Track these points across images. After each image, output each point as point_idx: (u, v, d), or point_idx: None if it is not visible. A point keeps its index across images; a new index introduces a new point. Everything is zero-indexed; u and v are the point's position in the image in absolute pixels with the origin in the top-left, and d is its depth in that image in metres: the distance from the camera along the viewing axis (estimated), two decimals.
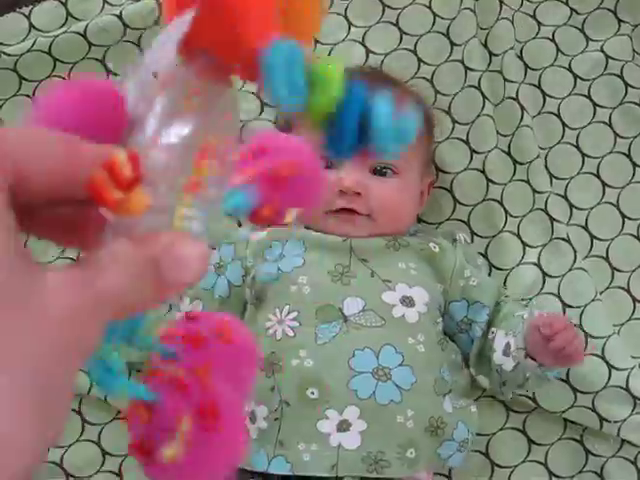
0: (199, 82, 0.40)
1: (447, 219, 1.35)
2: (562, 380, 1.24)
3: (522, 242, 1.32)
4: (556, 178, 1.38)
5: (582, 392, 1.24)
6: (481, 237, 1.34)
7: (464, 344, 1.21)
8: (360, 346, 1.08)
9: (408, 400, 1.07)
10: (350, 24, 1.41)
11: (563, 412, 1.25)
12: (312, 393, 1.07)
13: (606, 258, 1.35)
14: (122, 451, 1.28)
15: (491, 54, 1.39)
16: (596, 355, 1.25)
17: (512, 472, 1.28)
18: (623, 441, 1.26)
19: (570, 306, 1.29)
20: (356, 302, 1.11)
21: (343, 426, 1.05)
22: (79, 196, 0.35)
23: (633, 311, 1.33)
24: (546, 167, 1.37)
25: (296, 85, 0.39)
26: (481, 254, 1.33)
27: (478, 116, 1.35)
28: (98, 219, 0.36)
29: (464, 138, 1.35)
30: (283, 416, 1.08)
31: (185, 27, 0.38)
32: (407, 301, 1.13)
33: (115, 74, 1.38)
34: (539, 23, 1.44)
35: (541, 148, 1.37)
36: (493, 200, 1.33)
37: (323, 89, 0.39)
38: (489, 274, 1.31)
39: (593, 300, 1.28)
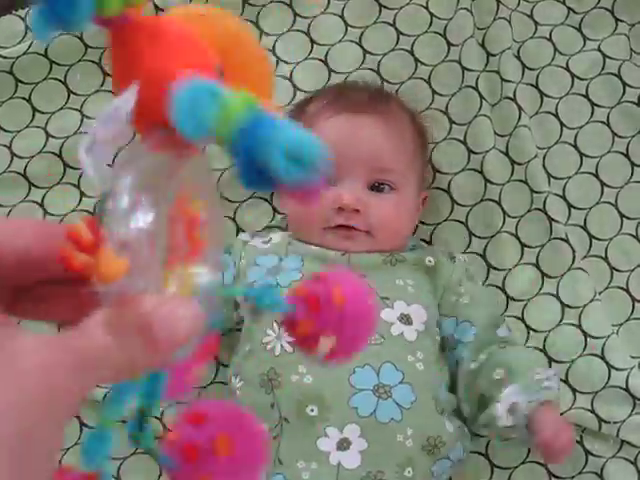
0: (160, 156, 0.41)
1: (445, 220, 1.34)
2: (562, 380, 1.24)
3: (520, 242, 1.32)
4: (554, 178, 1.36)
5: (581, 392, 1.24)
6: (479, 238, 1.33)
7: (449, 363, 1.19)
8: (360, 363, 1.07)
9: (408, 419, 1.06)
10: (347, 25, 1.41)
11: (562, 413, 1.22)
12: (312, 410, 1.05)
13: (605, 258, 1.34)
14: (120, 454, 1.24)
15: (488, 54, 1.38)
16: (595, 355, 1.25)
17: (512, 473, 1.26)
18: (623, 442, 1.24)
19: (569, 306, 1.28)
20: None
21: (343, 444, 1.04)
22: (57, 273, 0.37)
23: (632, 311, 1.31)
24: (544, 167, 1.36)
25: (200, 120, 0.39)
26: (479, 255, 1.32)
27: (475, 116, 1.34)
28: (91, 297, 0.36)
29: (461, 138, 1.35)
30: (283, 433, 1.06)
31: (131, 102, 0.40)
32: (405, 319, 1.13)
33: (111, 75, 1.36)
34: (536, 23, 1.43)
35: (539, 148, 1.36)
36: (491, 200, 1.33)
37: (225, 121, 0.39)
38: (486, 276, 1.31)
39: (592, 300, 1.28)
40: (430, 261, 1.20)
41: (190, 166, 0.43)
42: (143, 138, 0.42)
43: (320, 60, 1.39)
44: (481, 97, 1.35)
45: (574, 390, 1.24)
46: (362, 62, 1.38)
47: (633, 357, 1.27)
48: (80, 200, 1.34)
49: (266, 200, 1.36)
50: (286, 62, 1.39)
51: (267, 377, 1.07)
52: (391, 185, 1.19)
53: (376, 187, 1.19)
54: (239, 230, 1.33)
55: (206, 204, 0.44)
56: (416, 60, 1.38)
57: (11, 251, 0.37)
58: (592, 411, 1.23)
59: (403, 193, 1.21)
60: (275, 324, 1.10)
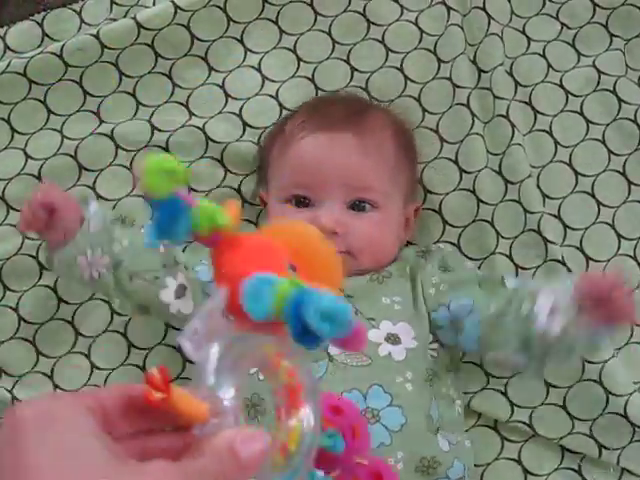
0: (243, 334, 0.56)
1: (436, 241, 1.30)
2: (560, 406, 1.22)
3: (515, 264, 1.28)
4: (549, 198, 1.34)
5: (579, 419, 1.22)
6: (472, 259, 1.29)
7: (466, 343, 1.14)
8: (347, 388, 1.04)
9: (398, 442, 1.03)
10: (334, 42, 1.39)
11: (560, 439, 1.22)
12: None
13: None
14: None
15: (480, 71, 1.36)
16: (593, 380, 1.22)
17: None
18: (623, 470, 1.22)
19: None
20: None
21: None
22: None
23: (631, 334, 1.28)
24: (538, 186, 1.33)
25: (261, 303, 0.54)
26: None
27: (467, 135, 1.32)
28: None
29: (453, 157, 1.32)
30: None
31: (220, 302, 0.55)
32: (392, 338, 1.10)
33: (91, 95, 1.36)
34: (529, 38, 1.41)
35: (533, 167, 1.33)
36: (484, 221, 1.29)
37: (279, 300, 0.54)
38: None
39: None
40: (408, 270, 1.20)
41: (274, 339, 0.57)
42: (238, 326, 0.56)
43: (307, 78, 1.37)
44: (473, 115, 1.32)
45: (572, 417, 1.22)
46: (350, 79, 1.36)
47: (635, 382, 1.24)
48: None
49: (251, 222, 1.33)
50: (272, 80, 1.37)
51: (251, 402, 1.03)
52: (372, 204, 1.16)
53: (357, 206, 1.16)
54: None
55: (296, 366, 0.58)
56: (406, 77, 1.35)
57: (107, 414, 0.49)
58: (591, 436, 1.21)
59: (385, 211, 1.18)
60: None
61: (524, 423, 1.23)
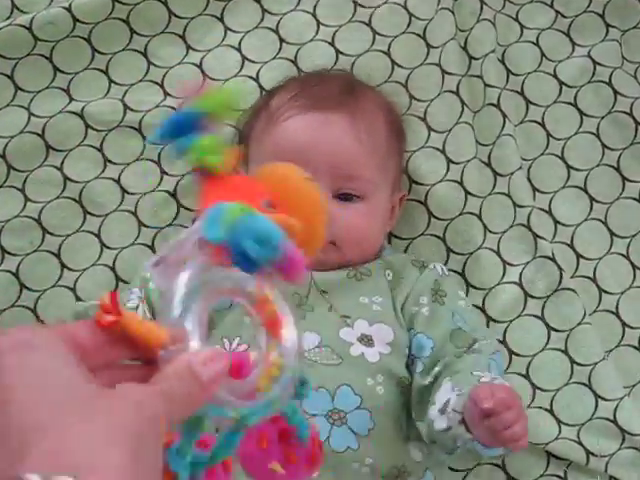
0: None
1: (421, 234, 1.27)
2: (546, 410, 1.20)
3: (502, 260, 1.25)
4: (539, 192, 1.31)
5: (566, 424, 1.19)
6: (458, 254, 1.26)
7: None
8: (314, 386, 0.97)
9: (366, 447, 0.99)
10: (319, 23, 1.33)
11: (546, 444, 1.19)
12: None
13: (593, 279, 1.29)
14: None
15: (470, 57, 1.32)
16: (582, 384, 1.20)
17: None
18: (611, 478, 1.19)
19: (555, 329, 1.23)
20: (311, 337, 1.03)
21: None
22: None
23: (622, 336, 1.26)
24: (529, 179, 1.31)
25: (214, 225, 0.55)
26: (458, 272, 1.25)
27: (456, 124, 1.29)
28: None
29: (440, 147, 1.28)
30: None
31: (195, 235, 0.55)
32: (366, 340, 1.05)
33: (62, 71, 1.30)
34: (522, 26, 1.38)
35: (523, 159, 1.31)
36: (471, 214, 1.26)
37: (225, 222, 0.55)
38: (466, 295, 1.22)
39: (580, 323, 1.23)
40: (388, 275, 1.14)
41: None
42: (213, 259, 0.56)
43: (289, 60, 1.31)
44: (462, 103, 1.29)
45: (559, 421, 1.19)
46: (335, 63, 1.30)
47: (625, 387, 1.22)
48: (25, 205, 1.26)
49: None
50: (253, 61, 1.32)
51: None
52: (359, 194, 1.12)
53: (342, 195, 1.11)
54: None
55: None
56: (393, 62, 1.30)
57: (79, 345, 0.51)
58: (579, 443, 1.18)
59: (373, 201, 1.13)
60: (226, 340, 1.02)
61: None
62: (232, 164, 0.62)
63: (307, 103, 1.12)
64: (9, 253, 1.25)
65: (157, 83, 1.32)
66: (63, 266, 1.25)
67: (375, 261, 1.15)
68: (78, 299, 1.24)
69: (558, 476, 1.21)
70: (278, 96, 1.18)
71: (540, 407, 1.20)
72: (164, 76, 1.32)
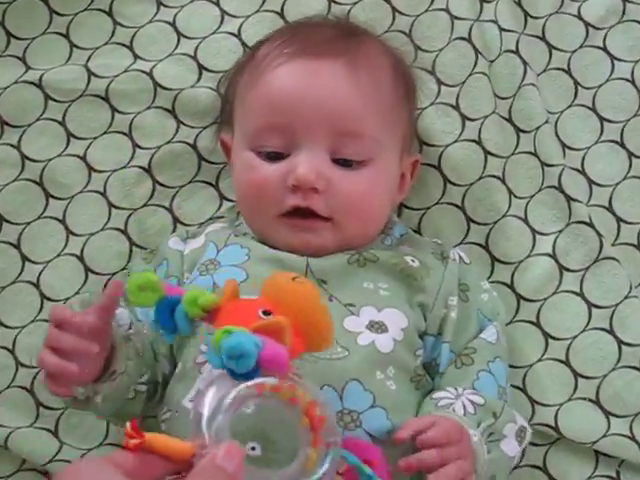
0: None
1: (436, 203, 1.19)
2: (592, 401, 1.13)
3: (531, 229, 1.18)
4: (570, 148, 1.23)
5: (617, 416, 1.13)
6: (479, 224, 1.18)
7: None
8: (318, 384, 0.88)
9: (387, 453, 0.88)
10: None
11: (594, 443, 1.12)
12: (252, 449, 0.81)
13: (638, 245, 1.21)
14: None
15: (482, 0, 1.24)
16: (633, 367, 1.13)
17: None
18: None
19: (597, 306, 1.15)
20: None
21: None
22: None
23: None
24: (557, 135, 1.23)
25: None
26: (480, 245, 1.18)
27: (470, 75, 1.20)
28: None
29: (453, 103, 1.20)
30: None
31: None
32: (376, 326, 0.96)
33: (16, 37, 1.24)
34: None
35: (549, 112, 1.23)
36: (493, 177, 1.18)
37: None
38: (491, 272, 1.16)
39: (627, 297, 1.15)
40: (413, 261, 1.03)
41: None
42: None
43: (275, 12, 1.22)
44: (476, 51, 1.21)
45: (608, 413, 1.12)
46: (327, 12, 1.21)
47: None
48: None
49: (211, 184, 1.20)
50: (233, 16, 1.23)
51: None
52: (361, 158, 1.01)
53: (342, 162, 1.01)
54: (177, 224, 1.19)
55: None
56: (393, 9, 1.22)
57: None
58: (631, 438, 1.12)
59: (378, 165, 1.02)
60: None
61: (548, 426, 1.12)
62: (232, 293, 0.79)
63: (298, 49, 1.02)
64: None
65: (125, 45, 1.24)
66: (24, 258, 1.17)
67: (385, 247, 1.06)
68: (43, 296, 1.16)
69: (609, 477, 1.14)
70: (266, 45, 1.08)
71: (584, 398, 1.13)
72: (133, 37, 1.24)
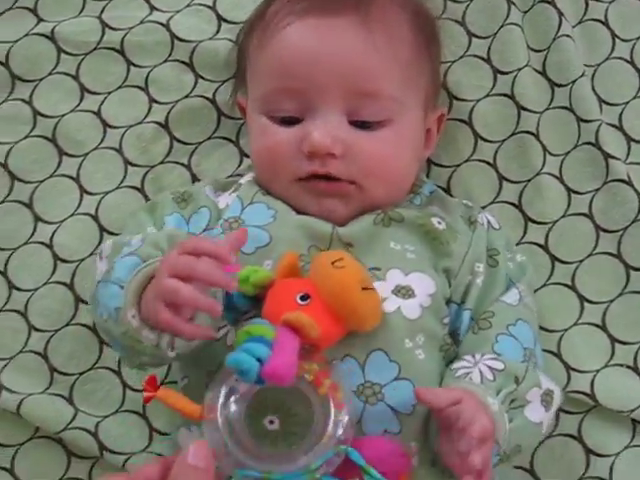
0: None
1: (466, 160, 1.15)
2: (629, 368, 1.11)
3: (566, 187, 1.15)
4: (607, 103, 1.19)
5: None
6: (512, 182, 1.15)
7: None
8: (338, 354, 0.86)
9: (410, 429, 0.87)
10: None
11: (632, 411, 1.08)
12: (271, 422, 0.81)
13: None
14: None
15: None
16: None
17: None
18: None
19: (636, 268, 1.12)
20: None
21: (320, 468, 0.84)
22: None
23: None
24: (593, 89, 1.18)
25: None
26: (513, 205, 1.15)
27: (502, 26, 1.17)
28: None
29: (485, 55, 1.17)
30: None
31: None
32: (403, 291, 0.92)
33: None
34: None
35: (586, 65, 1.18)
36: (526, 133, 1.15)
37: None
38: (524, 232, 1.13)
39: None
40: (439, 223, 1.00)
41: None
42: None
43: None
44: (508, 1, 1.17)
45: None
46: None
47: None
48: None
49: (230, 140, 1.18)
50: None
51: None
52: (380, 119, 0.97)
53: (359, 124, 0.97)
54: (195, 182, 1.16)
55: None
56: None
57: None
58: None
59: (399, 124, 0.99)
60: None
61: (584, 393, 1.09)
62: (289, 267, 0.83)
63: (307, 6, 0.98)
64: None
65: None
66: (37, 218, 1.15)
67: (412, 209, 1.03)
68: (56, 257, 1.14)
69: None
70: (275, 3, 1.04)
71: (621, 364, 1.11)
72: None
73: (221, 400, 0.77)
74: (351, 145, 0.95)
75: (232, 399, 0.78)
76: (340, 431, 0.76)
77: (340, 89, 0.95)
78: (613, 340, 1.11)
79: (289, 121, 0.97)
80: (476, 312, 0.98)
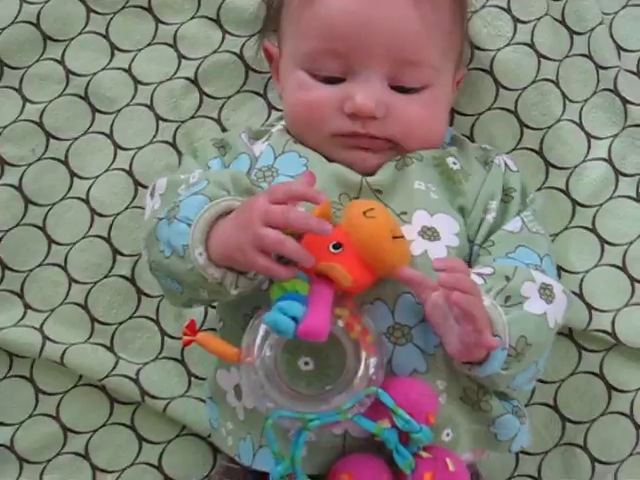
0: None
1: (488, 108, 1.16)
2: None
3: (586, 133, 1.16)
4: (625, 50, 1.19)
5: None
6: (533, 129, 1.15)
7: None
8: (369, 298, 0.88)
9: (437, 368, 0.90)
10: None
11: None
12: (306, 364, 0.86)
13: None
14: (87, 426, 1.16)
15: None
16: None
17: (588, 429, 1.14)
18: None
19: None
20: None
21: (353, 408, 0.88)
22: None
23: None
24: (612, 37, 1.19)
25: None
26: (534, 151, 1.15)
27: None
28: None
29: (504, 5, 1.16)
30: None
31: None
32: (429, 233, 0.94)
33: None
34: None
35: (604, 13, 1.19)
36: (546, 81, 1.15)
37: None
38: (545, 178, 1.15)
39: None
40: (454, 163, 1.01)
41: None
42: None
43: None
44: None
45: None
46: None
47: None
48: (23, 107, 1.19)
49: (258, 94, 1.19)
50: None
51: (251, 318, 0.88)
52: (420, 85, 0.99)
53: (399, 88, 0.98)
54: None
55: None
56: None
57: None
58: None
59: (436, 89, 1.00)
60: None
61: (605, 332, 1.12)
62: (323, 214, 0.82)
63: None
64: (9, 164, 1.18)
65: None
66: (72, 174, 1.18)
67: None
68: (93, 212, 1.17)
69: None
70: None
71: None
72: None
73: (258, 343, 0.80)
74: (392, 109, 0.96)
75: (268, 342, 0.80)
76: (371, 371, 0.79)
77: (386, 55, 0.96)
78: (633, 280, 1.12)
79: (330, 80, 0.97)
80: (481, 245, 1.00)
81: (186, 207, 0.87)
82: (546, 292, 0.93)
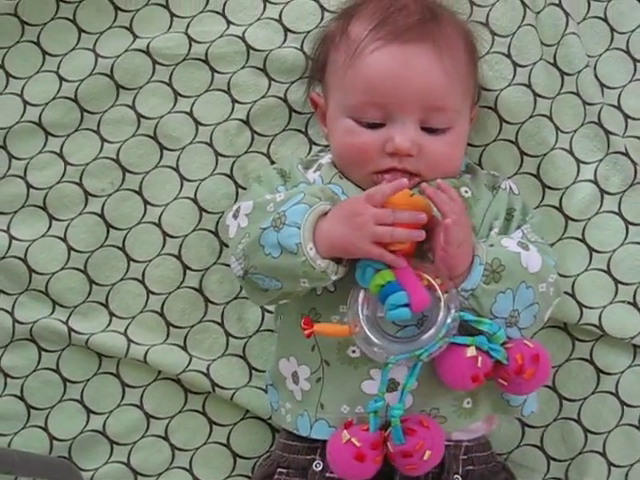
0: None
1: (493, 140, 1.26)
2: (629, 304, 1.22)
3: (576, 159, 1.25)
4: (607, 87, 1.29)
5: None
6: (531, 156, 1.25)
7: None
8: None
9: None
10: None
11: (632, 338, 1.22)
12: (353, 352, 1.02)
13: None
14: (167, 413, 1.28)
15: None
16: None
17: (582, 405, 1.25)
18: None
19: (633, 223, 1.24)
20: None
21: (391, 386, 1.01)
22: None
23: None
24: (596, 76, 1.28)
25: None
26: (532, 175, 1.25)
27: (519, 27, 1.25)
28: None
29: (505, 51, 1.25)
30: (325, 377, 1.05)
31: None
32: None
33: (122, 10, 1.33)
34: None
35: (589, 56, 1.28)
36: (542, 116, 1.24)
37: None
38: (542, 197, 1.25)
39: None
40: (467, 192, 1.11)
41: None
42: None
43: None
44: (524, 5, 1.26)
45: None
46: None
47: None
48: (102, 147, 1.30)
49: (301, 131, 1.29)
50: None
51: (303, 317, 1.03)
52: (446, 126, 1.09)
53: (429, 129, 1.09)
54: None
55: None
56: None
57: None
58: None
59: (458, 128, 1.11)
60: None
61: (593, 325, 1.22)
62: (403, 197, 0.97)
63: (390, 35, 1.08)
64: (92, 195, 1.28)
65: (218, 12, 1.31)
66: (146, 202, 1.28)
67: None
68: (165, 234, 1.27)
69: None
70: (355, 24, 1.12)
71: (623, 301, 1.23)
72: (224, 4, 1.31)
73: (360, 315, 0.96)
74: (423, 147, 1.06)
75: (365, 310, 0.96)
76: (451, 305, 0.95)
77: (417, 104, 1.06)
78: (616, 282, 1.22)
79: (372, 125, 1.07)
80: None
81: (292, 215, 0.98)
82: (523, 244, 1.04)
